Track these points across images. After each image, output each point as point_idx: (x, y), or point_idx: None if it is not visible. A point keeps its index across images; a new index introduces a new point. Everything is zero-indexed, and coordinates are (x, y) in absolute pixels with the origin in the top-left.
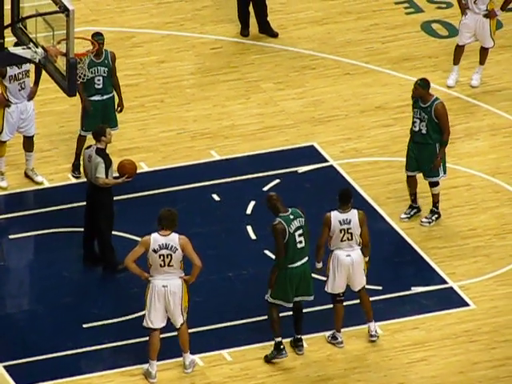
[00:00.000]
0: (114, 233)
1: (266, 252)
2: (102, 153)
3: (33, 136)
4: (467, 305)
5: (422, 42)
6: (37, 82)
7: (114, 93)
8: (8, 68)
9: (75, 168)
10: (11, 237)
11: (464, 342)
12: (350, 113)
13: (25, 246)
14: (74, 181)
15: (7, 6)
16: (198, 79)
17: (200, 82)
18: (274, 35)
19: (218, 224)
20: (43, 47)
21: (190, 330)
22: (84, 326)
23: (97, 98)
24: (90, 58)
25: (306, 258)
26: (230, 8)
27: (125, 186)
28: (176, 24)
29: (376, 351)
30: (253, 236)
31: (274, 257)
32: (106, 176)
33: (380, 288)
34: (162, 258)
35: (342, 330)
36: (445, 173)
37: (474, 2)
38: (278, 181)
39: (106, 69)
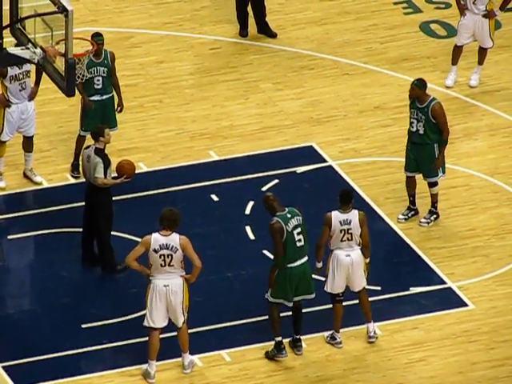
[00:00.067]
0: (112, 233)
1: (265, 252)
2: (100, 153)
3: (32, 136)
4: (466, 305)
5: (421, 43)
6: (38, 83)
7: (114, 93)
8: (9, 68)
9: (74, 168)
10: (10, 237)
11: (463, 342)
12: (349, 113)
13: (23, 246)
14: (72, 181)
15: (6, 7)
16: (196, 79)
17: (199, 82)
18: (273, 35)
19: (216, 224)
20: (42, 47)
21: (188, 331)
22: (83, 326)
23: (96, 98)
24: (89, 58)
25: (306, 258)
26: (228, 8)
27: (123, 187)
28: (175, 24)
29: (375, 351)
30: (251, 236)
31: (272, 257)
32: (105, 176)
33: (379, 288)
34: (162, 257)
35: (341, 330)
36: (444, 173)
37: (473, 3)
38: (276, 181)
39: (106, 69)
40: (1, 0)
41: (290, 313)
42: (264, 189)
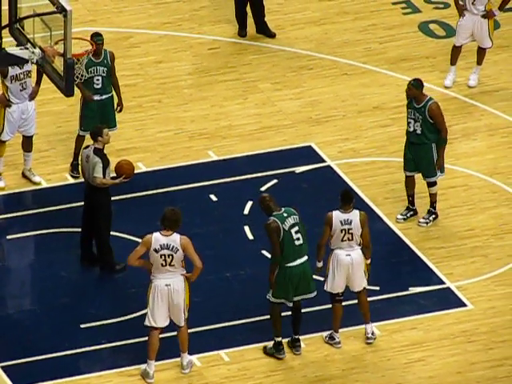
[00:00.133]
0: (111, 233)
1: (264, 252)
2: (99, 153)
3: (32, 136)
4: (465, 305)
5: (420, 43)
6: (39, 82)
7: (113, 93)
8: (10, 68)
9: (74, 168)
10: (9, 237)
11: (462, 343)
12: (348, 113)
13: (22, 246)
14: (71, 181)
15: (4, 7)
16: (195, 79)
17: (198, 82)
18: (272, 35)
19: (215, 224)
20: (41, 47)
21: (188, 331)
22: (82, 326)
23: (96, 97)
24: (88, 58)
25: (306, 257)
26: (227, 8)
27: (122, 187)
28: (174, 24)
29: (374, 351)
30: (250, 236)
31: (270, 256)
32: (104, 176)
33: (377, 288)
34: (163, 257)
35: (340, 330)
36: (442, 172)
37: (472, 3)
38: (275, 181)
39: (105, 68)
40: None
41: (289, 313)
42: (263, 189)
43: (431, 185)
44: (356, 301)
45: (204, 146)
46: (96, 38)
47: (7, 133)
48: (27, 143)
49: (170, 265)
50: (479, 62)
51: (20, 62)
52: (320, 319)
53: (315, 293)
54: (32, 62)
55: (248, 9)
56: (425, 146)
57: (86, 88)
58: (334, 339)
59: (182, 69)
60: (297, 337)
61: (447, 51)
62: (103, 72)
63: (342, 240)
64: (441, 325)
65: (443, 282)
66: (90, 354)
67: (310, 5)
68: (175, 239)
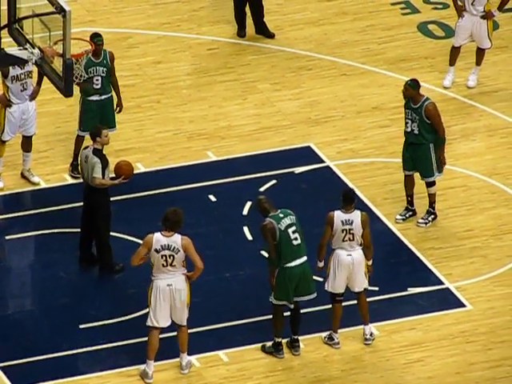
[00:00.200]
0: (110, 233)
1: (263, 252)
2: (98, 153)
3: (32, 136)
4: (464, 306)
5: (419, 43)
6: (39, 83)
7: (113, 93)
8: (10, 68)
9: (74, 168)
10: (8, 237)
11: (461, 343)
12: (347, 113)
13: (21, 246)
14: (70, 181)
15: (3, 7)
16: (194, 80)
17: (196, 82)
18: (271, 36)
19: (214, 225)
20: (40, 48)
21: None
22: (81, 326)
23: (95, 98)
24: (88, 58)
25: (305, 258)
26: (226, 9)
27: (121, 187)
28: (172, 25)
29: (373, 352)
30: (249, 237)
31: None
32: (103, 176)
33: (376, 289)
34: (164, 258)
35: (339, 330)
36: (440, 172)
37: (472, 4)
38: (274, 181)
39: (105, 69)
40: None
41: (288, 313)
42: (262, 189)
43: (430, 185)
44: (355, 301)
45: (203, 147)
46: (96, 38)
47: (8, 133)
48: (27, 143)
49: (171, 265)
50: (478, 63)
51: (19, 62)
52: (319, 320)
53: (315, 294)
54: (31, 63)
55: (247, 9)
56: (423, 146)
57: (86, 88)
58: (333, 340)
59: (181, 69)
60: (296, 337)
61: (446, 52)
62: (103, 72)
63: (343, 240)
64: (440, 325)
65: (442, 283)
66: (89, 354)
67: (309, 5)
68: (176, 240)
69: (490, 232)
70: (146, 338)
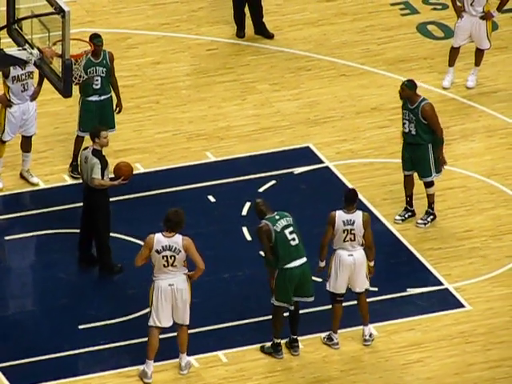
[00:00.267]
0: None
1: (262, 253)
2: (98, 154)
3: (32, 136)
4: (463, 306)
5: (418, 44)
6: (40, 83)
7: (112, 94)
8: (11, 68)
9: (73, 168)
10: (7, 238)
11: (460, 344)
12: (346, 114)
13: (20, 247)
14: (69, 182)
15: (2, 8)
16: (193, 80)
17: (196, 83)
18: (270, 36)
19: (213, 225)
20: (39, 48)
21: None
22: (80, 327)
23: (94, 98)
24: (87, 59)
25: (305, 259)
26: (225, 9)
27: (120, 187)
28: (172, 25)
29: (372, 352)
30: (248, 237)
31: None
32: (102, 177)
33: (376, 289)
34: (165, 258)
35: (338, 331)
36: (437, 172)
37: (471, 4)
38: (273, 182)
39: (105, 69)
40: None
41: (287, 313)
42: (261, 190)
43: (428, 185)
44: (354, 302)
45: (202, 147)
46: (96, 39)
47: (8, 133)
48: (26, 143)
49: (172, 265)
50: (477, 64)
51: (18, 62)
52: (318, 320)
53: (313, 298)
54: (30, 63)
55: (246, 10)
56: (421, 146)
57: (85, 88)
58: (332, 340)
59: (180, 70)
60: (295, 337)
61: (445, 52)
62: (102, 72)
63: (344, 240)
64: (439, 326)
65: (441, 283)
66: (88, 354)
67: (309, 6)
68: (177, 240)
69: (489, 232)
70: (145, 339)
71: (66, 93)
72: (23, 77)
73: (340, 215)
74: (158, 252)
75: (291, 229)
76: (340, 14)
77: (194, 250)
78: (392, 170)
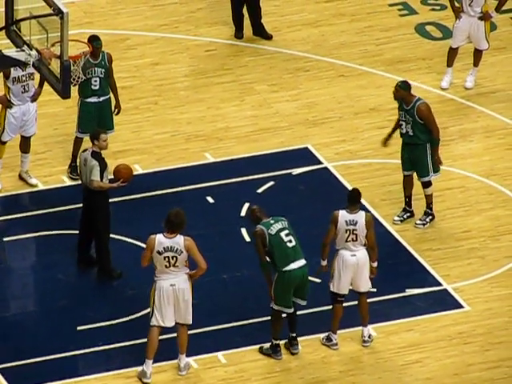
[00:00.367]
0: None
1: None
2: (97, 156)
3: (31, 137)
4: (462, 307)
5: (416, 44)
6: (41, 84)
7: (111, 94)
8: (12, 69)
9: (72, 170)
10: (5, 239)
11: (458, 344)
12: (344, 115)
13: (19, 248)
14: (68, 183)
15: (1, 9)
16: (192, 81)
17: (194, 84)
18: (268, 37)
19: (212, 226)
20: (37, 50)
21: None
22: (79, 328)
23: (93, 99)
24: (86, 60)
25: (304, 261)
26: (224, 10)
27: (119, 189)
28: (170, 26)
29: (371, 353)
30: (247, 238)
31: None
32: (101, 179)
33: (374, 290)
34: (167, 259)
35: (337, 331)
36: (435, 172)
37: (469, 5)
38: (272, 183)
39: (103, 70)
40: None
41: (285, 314)
42: (259, 191)
43: (426, 185)
44: (354, 302)
45: (200, 148)
46: (95, 42)
47: (7, 133)
48: (25, 144)
49: (174, 266)
50: (476, 64)
51: (16, 64)
52: (317, 321)
53: (305, 303)
54: (28, 65)
55: (244, 11)
56: (418, 146)
57: (84, 89)
58: (332, 341)
59: (179, 71)
60: (294, 335)
61: (444, 53)
62: (101, 73)
63: (347, 240)
64: (437, 326)
65: (440, 284)
66: (87, 356)
67: (307, 7)
68: (179, 241)
69: (487, 233)
70: (144, 340)
71: (65, 94)
72: (24, 78)
73: (343, 215)
74: (160, 253)
75: (287, 231)
76: (338, 14)
77: (195, 249)
78: (391, 171)
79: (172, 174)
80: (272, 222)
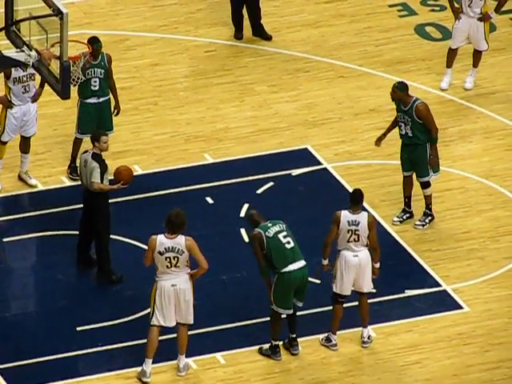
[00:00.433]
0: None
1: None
2: (97, 158)
3: (30, 137)
4: (461, 307)
5: (416, 45)
6: (42, 85)
7: (111, 95)
8: (13, 70)
9: (72, 170)
10: (5, 240)
11: (458, 345)
12: (344, 115)
13: (19, 248)
14: (67, 184)
15: (1, 9)
16: (191, 82)
17: (194, 84)
18: (268, 38)
19: (211, 227)
20: (37, 50)
21: None
22: (78, 329)
23: (93, 100)
24: (85, 60)
25: (304, 263)
26: (223, 11)
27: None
28: (170, 27)
29: (370, 354)
30: (246, 239)
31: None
32: (101, 181)
33: (374, 291)
34: (168, 260)
35: (337, 332)
36: (435, 172)
37: (469, 6)
38: (271, 184)
39: (103, 70)
40: None
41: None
42: (259, 191)
43: (425, 186)
44: (353, 303)
45: (200, 149)
46: (95, 44)
47: (8, 133)
48: (25, 144)
49: (175, 266)
50: (475, 65)
51: (16, 64)
52: (317, 322)
53: (301, 304)
54: (28, 65)
55: (244, 11)
56: (418, 146)
57: (84, 90)
58: (331, 341)
59: (178, 71)
60: (294, 335)
61: (443, 54)
62: (100, 74)
63: (348, 241)
64: (437, 327)
65: (439, 285)
66: (86, 356)
67: (307, 7)
68: (180, 241)
69: (487, 234)
70: (144, 340)
71: (64, 95)
72: (24, 78)
73: (345, 215)
74: (161, 253)
75: (285, 233)
76: (338, 15)
77: (197, 249)
78: (390, 172)
79: (171, 175)
80: (270, 224)
